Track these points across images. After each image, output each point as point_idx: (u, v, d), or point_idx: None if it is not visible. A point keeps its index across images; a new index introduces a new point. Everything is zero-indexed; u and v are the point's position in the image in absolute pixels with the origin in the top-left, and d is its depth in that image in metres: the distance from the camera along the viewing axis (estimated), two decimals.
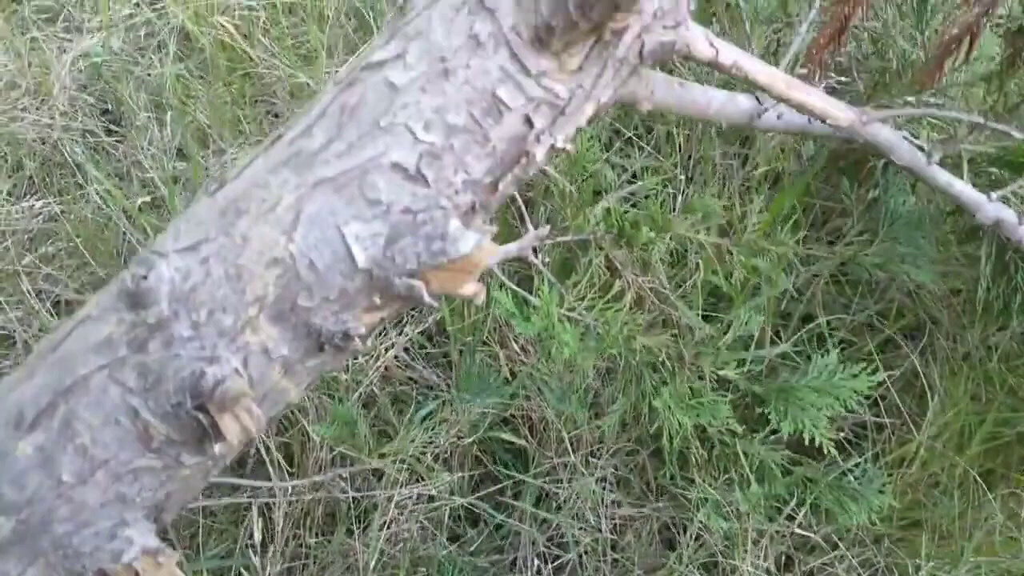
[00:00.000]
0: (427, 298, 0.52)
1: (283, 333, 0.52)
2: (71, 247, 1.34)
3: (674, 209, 1.12)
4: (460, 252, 0.50)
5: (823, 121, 0.62)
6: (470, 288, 0.52)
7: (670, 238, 0.89)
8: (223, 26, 1.50)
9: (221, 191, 0.52)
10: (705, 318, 1.09)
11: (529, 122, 0.52)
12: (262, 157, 0.52)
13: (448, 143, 0.51)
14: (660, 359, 0.87)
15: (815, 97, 0.61)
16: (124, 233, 1.32)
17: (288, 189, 0.50)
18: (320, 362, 0.55)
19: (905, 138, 0.67)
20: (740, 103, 0.72)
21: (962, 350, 1.13)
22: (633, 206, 1.02)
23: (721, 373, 0.86)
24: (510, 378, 1.14)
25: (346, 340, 0.54)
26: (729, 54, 0.57)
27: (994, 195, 0.72)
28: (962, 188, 0.71)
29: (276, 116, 1.49)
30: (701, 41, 0.57)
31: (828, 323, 1.12)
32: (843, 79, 0.82)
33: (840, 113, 0.62)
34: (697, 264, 1.04)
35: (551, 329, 0.84)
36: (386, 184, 0.50)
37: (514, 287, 0.92)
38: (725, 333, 1.01)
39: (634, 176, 1.19)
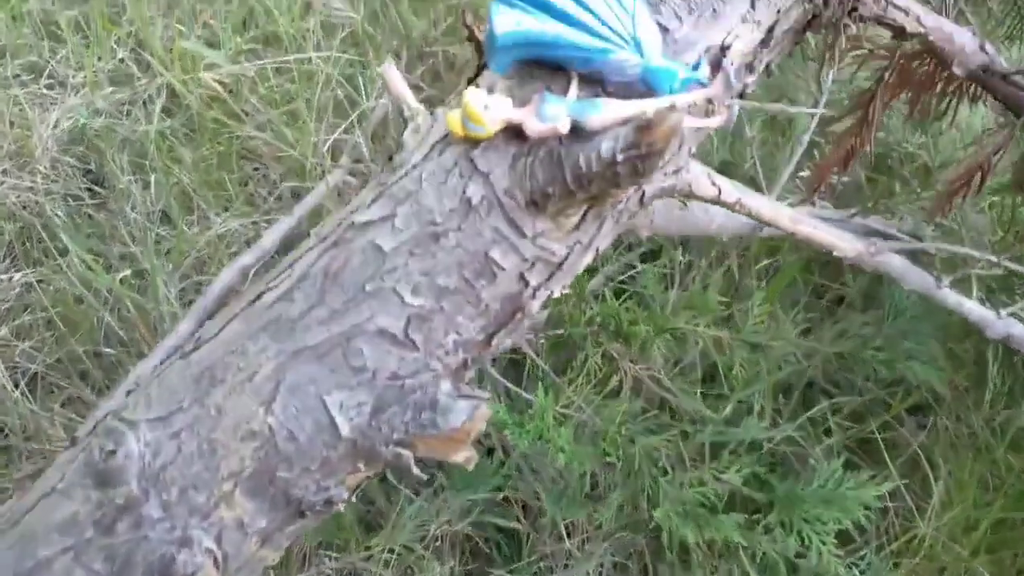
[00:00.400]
0: (415, 469, 0.48)
1: (260, 506, 0.48)
2: (48, 318, 1.29)
3: (672, 285, 1.09)
4: (450, 425, 0.47)
5: (830, 252, 0.59)
6: (462, 455, 0.49)
7: (668, 332, 0.86)
8: (210, 83, 1.47)
9: (196, 353, 0.49)
10: (703, 395, 1.06)
11: (524, 280, 0.49)
12: (240, 319, 0.49)
13: (438, 305, 0.48)
14: (659, 462, 0.84)
15: (821, 231, 0.58)
16: (105, 303, 1.28)
17: (267, 357, 0.47)
18: (300, 526, 0.52)
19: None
20: (741, 218, 0.69)
21: (967, 431, 1.10)
22: (629, 297, 0.99)
23: (723, 477, 0.83)
24: (504, 458, 1.11)
25: (328, 505, 0.50)
26: (732, 192, 0.55)
27: (1003, 312, 0.69)
28: (972, 308, 0.68)
29: (264, 177, 1.46)
30: (703, 180, 0.54)
31: (831, 405, 1.09)
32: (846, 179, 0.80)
33: (847, 245, 0.59)
34: (696, 342, 1.02)
35: (546, 434, 0.81)
36: (372, 350, 0.47)
37: (508, 384, 0.89)
38: (727, 422, 0.99)
39: (629, 247, 1.17)
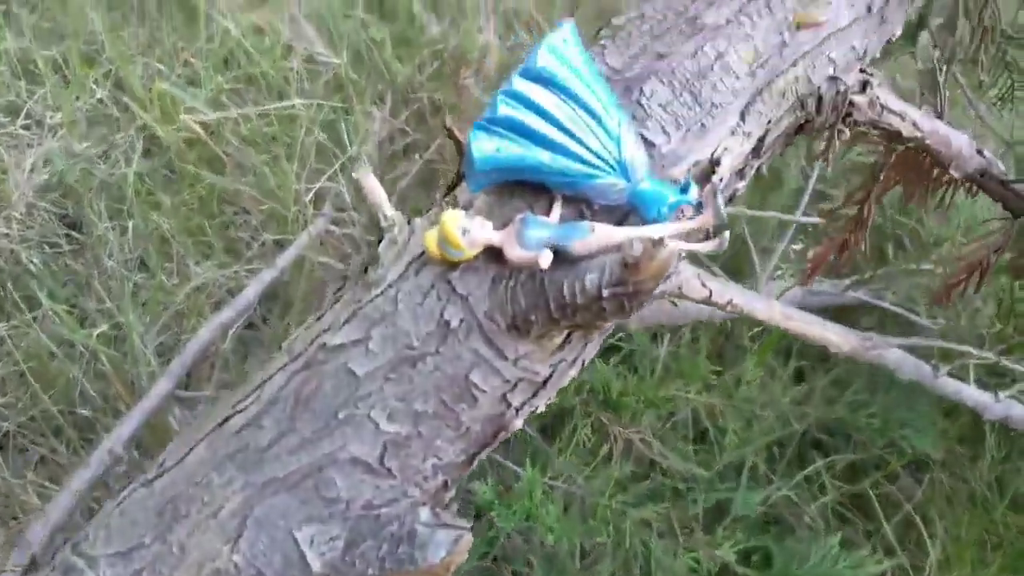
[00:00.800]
0: None
1: None
2: (20, 372, 1.26)
3: (662, 342, 1.07)
4: (429, 560, 0.44)
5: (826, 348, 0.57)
6: None
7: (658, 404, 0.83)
8: (190, 125, 1.44)
9: (160, 481, 0.46)
10: (696, 451, 1.04)
11: (507, 402, 0.46)
12: (206, 444, 0.46)
13: (416, 431, 0.45)
14: (650, 536, 0.81)
15: (815, 327, 0.56)
16: (80, 358, 1.24)
17: (234, 490, 0.44)
18: None
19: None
20: None
21: (965, 486, 1.08)
22: (617, 354, 0.97)
23: (718, 553, 0.80)
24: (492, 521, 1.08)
25: None
26: (723, 292, 0.52)
27: (1002, 395, 0.67)
28: (969, 394, 0.66)
29: (246, 222, 1.42)
30: (693, 283, 0.52)
31: (826, 463, 1.07)
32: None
33: (841, 340, 0.57)
34: (688, 405, 0.99)
35: (534, 512, 0.78)
36: (345, 480, 0.45)
37: (495, 455, 0.86)
38: (720, 478, 0.96)
39: None
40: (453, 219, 0.41)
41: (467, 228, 0.40)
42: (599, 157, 0.40)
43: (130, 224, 1.37)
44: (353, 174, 0.48)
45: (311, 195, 1.27)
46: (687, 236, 0.40)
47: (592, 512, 0.86)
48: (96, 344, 1.21)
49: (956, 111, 0.99)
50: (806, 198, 0.69)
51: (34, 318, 1.29)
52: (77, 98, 1.56)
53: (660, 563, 0.89)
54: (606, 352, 1.00)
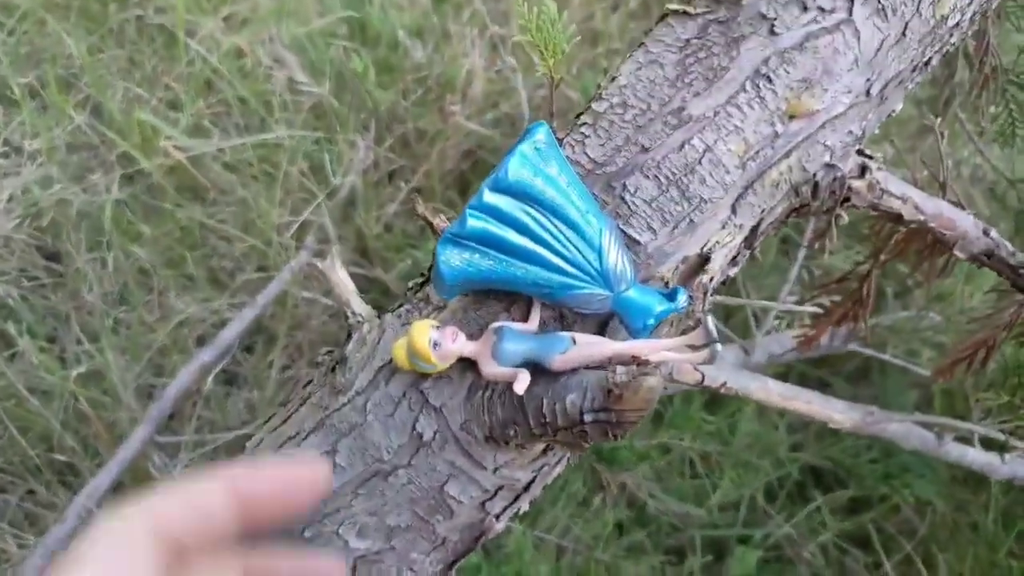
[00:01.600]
0: None
1: None
2: None
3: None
4: None
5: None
6: None
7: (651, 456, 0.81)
8: (171, 152, 1.40)
9: None
10: (692, 485, 1.01)
11: (486, 510, 0.43)
12: None
13: (388, 545, 0.42)
14: None
15: (816, 405, 0.53)
16: (60, 398, 1.21)
17: None
18: None
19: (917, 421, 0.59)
20: None
21: (969, 525, 1.06)
22: None
23: None
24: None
25: None
26: (716, 375, 0.50)
27: (1007, 457, 0.65)
28: (975, 457, 0.64)
29: (228, 253, 1.39)
30: (685, 367, 0.49)
31: (826, 499, 1.05)
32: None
33: (843, 417, 0.54)
34: (680, 446, 0.97)
35: (524, 573, 0.75)
36: None
37: None
38: (715, 523, 0.93)
39: None
40: (422, 331, 0.38)
41: (438, 341, 0.38)
42: (578, 267, 0.37)
43: (110, 256, 1.34)
44: (320, 264, 0.45)
45: (294, 228, 1.24)
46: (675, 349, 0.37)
47: (585, 567, 0.83)
48: (75, 387, 1.17)
49: (957, 145, 0.96)
50: (801, 254, 0.67)
51: (12, 355, 1.26)
52: (55, 125, 1.52)
53: None
54: None
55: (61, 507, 1.16)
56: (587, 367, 0.37)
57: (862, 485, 1.05)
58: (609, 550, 0.85)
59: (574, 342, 0.37)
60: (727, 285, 0.46)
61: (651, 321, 0.37)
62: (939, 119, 0.68)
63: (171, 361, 1.23)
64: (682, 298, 0.37)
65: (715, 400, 0.94)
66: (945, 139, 0.52)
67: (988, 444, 0.67)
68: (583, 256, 0.37)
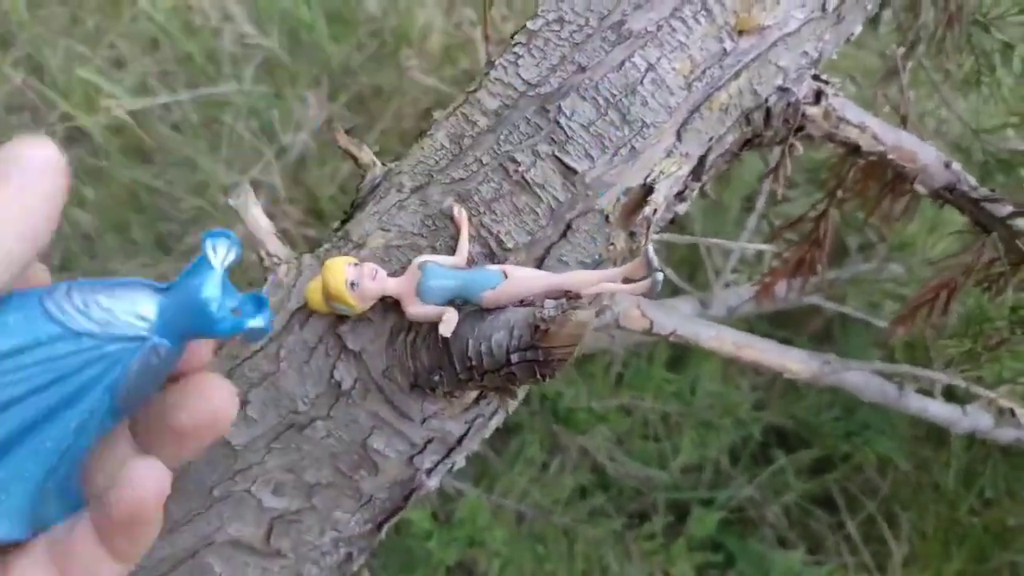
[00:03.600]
0: None
1: None
2: None
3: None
4: None
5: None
6: None
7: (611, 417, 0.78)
8: (115, 113, 1.34)
9: None
10: (656, 447, 0.99)
11: (415, 465, 0.40)
12: None
13: (308, 505, 0.39)
14: (604, 560, 0.77)
15: (771, 353, 0.51)
16: None
17: None
18: None
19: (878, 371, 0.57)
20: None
21: (931, 484, 1.05)
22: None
23: (673, 572, 0.76)
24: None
25: None
26: (665, 322, 0.47)
27: (968, 408, 0.63)
28: (937, 410, 0.62)
29: (175, 217, 1.33)
30: (633, 313, 0.46)
31: (789, 459, 1.03)
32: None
33: (800, 367, 0.52)
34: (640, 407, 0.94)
35: (478, 538, 0.73)
36: (225, 565, 0.38)
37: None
38: (680, 483, 0.92)
39: None
40: (338, 269, 0.34)
41: (355, 280, 0.34)
42: None
43: None
44: (230, 200, 0.41)
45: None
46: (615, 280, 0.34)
47: (543, 531, 0.81)
48: None
49: (921, 95, 0.94)
50: (760, 203, 0.64)
51: None
52: None
53: None
54: None
55: None
56: (520, 303, 0.34)
57: (825, 445, 1.04)
58: (569, 514, 0.83)
59: (505, 276, 0.34)
60: (676, 224, 0.43)
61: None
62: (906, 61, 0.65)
63: None
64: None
65: (679, 360, 0.92)
66: (906, 79, 0.49)
67: (950, 397, 0.66)
68: None
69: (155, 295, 0.29)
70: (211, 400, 0.29)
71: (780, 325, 1.09)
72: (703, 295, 0.64)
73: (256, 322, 0.30)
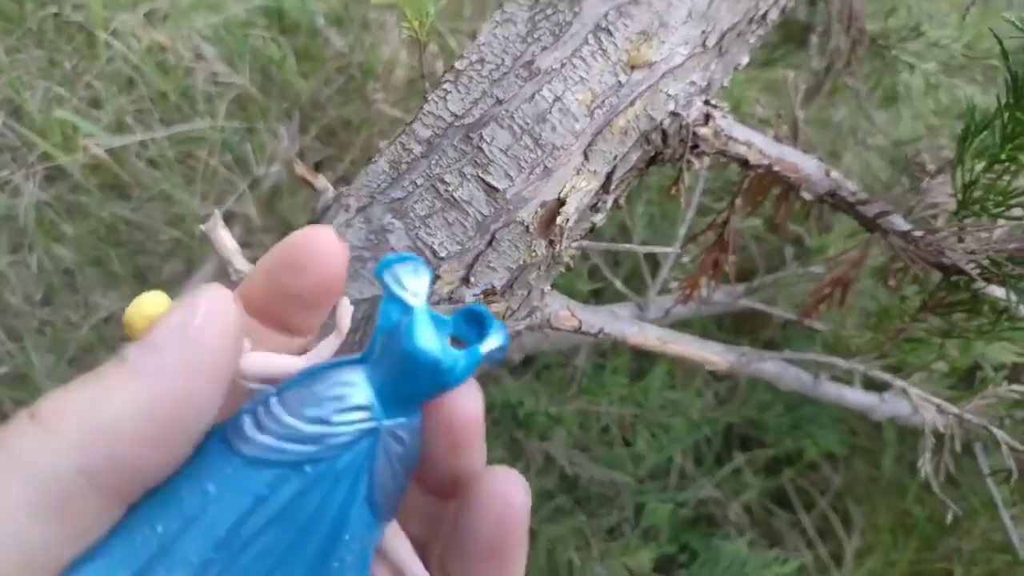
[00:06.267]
0: None
1: None
2: None
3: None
4: None
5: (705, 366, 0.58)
6: None
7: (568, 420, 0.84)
8: (93, 151, 1.39)
9: None
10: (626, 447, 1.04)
11: None
12: None
13: None
14: (567, 555, 0.81)
15: (692, 347, 0.56)
16: None
17: None
18: None
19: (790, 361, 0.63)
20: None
21: (879, 477, 1.11)
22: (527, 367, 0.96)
23: (631, 565, 0.81)
24: None
25: None
26: (593, 320, 0.52)
27: (886, 395, 0.69)
28: (853, 397, 0.68)
29: (153, 250, 1.38)
30: (562, 314, 0.52)
31: (746, 458, 1.09)
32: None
33: (719, 358, 0.58)
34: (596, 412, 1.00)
35: None
36: None
37: None
38: (640, 484, 0.97)
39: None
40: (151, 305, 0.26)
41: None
42: None
43: (32, 258, 1.32)
44: (201, 227, 0.47)
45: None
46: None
47: None
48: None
49: (847, 111, 1.01)
50: (689, 213, 0.70)
51: None
52: None
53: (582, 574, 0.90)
54: (516, 369, 1.00)
55: None
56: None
57: (779, 443, 1.10)
58: (533, 517, 0.87)
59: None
60: (594, 233, 0.49)
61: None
62: (824, 84, 0.72)
63: (96, 358, 1.23)
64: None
65: (640, 370, 0.98)
66: (798, 98, 0.56)
67: (871, 386, 0.72)
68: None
69: (357, 372, 0.23)
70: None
71: (734, 331, 1.16)
72: (639, 299, 0.70)
73: (492, 342, 0.24)
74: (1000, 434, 0.52)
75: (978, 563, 1.10)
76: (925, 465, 0.49)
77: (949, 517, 0.54)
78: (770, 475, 1.15)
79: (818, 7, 0.84)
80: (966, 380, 0.75)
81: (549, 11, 0.42)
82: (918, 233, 0.45)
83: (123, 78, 1.53)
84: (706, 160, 0.46)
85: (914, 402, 0.54)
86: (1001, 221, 0.44)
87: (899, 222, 0.48)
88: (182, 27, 1.45)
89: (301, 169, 0.47)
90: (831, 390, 0.66)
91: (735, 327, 1.09)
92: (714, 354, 0.57)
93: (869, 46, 0.73)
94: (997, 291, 0.49)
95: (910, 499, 1.06)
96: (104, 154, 1.38)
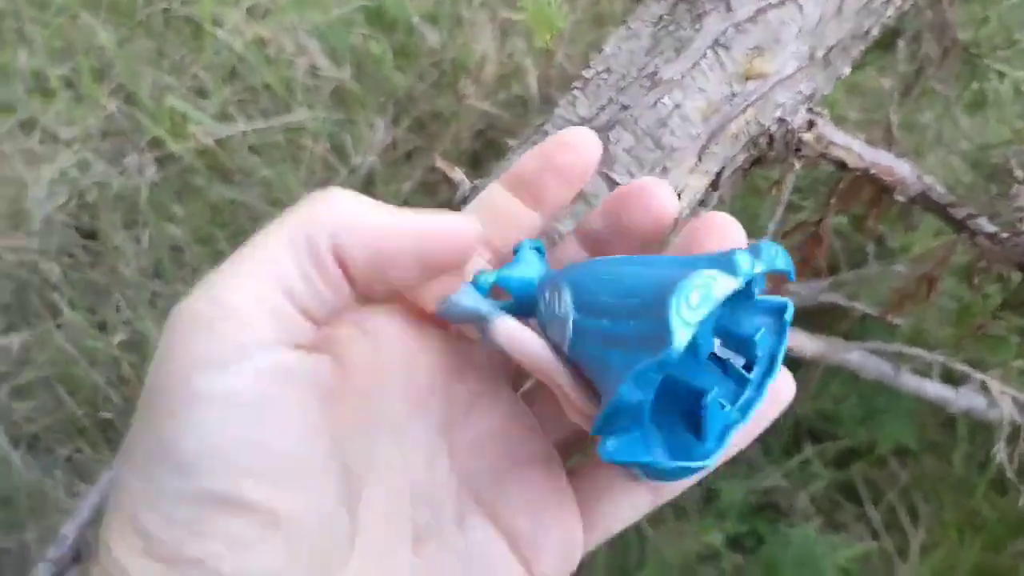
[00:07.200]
0: None
1: None
2: (46, 378, 1.32)
3: None
4: None
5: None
6: None
7: None
8: (200, 137, 1.50)
9: None
10: None
11: None
12: None
13: None
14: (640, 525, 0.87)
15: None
16: (102, 364, 1.31)
17: None
18: None
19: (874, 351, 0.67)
20: None
21: (949, 473, 1.13)
22: None
23: (706, 540, 0.86)
24: None
25: None
26: None
27: (963, 389, 0.72)
28: (932, 389, 0.71)
29: (254, 229, 1.48)
30: None
31: (817, 449, 1.13)
32: None
33: (807, 344, 0.62)
34: None
35: None
36: None
37: None
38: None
39: None
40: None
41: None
42: None
43: (145, 235, 1.44)
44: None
45: None
46: None
47: None
48: (117, 351, 1.27)
49: (932, 115, 1.04)
50: (780, 210, 0.74)
51: (58, 326, 1.35)
52: (90, 113, 1.62)
53: (655, 548, 0.95)
54: None
55: (107, 462, 1.26)
56: None
57: (852, 435, 1.13)
58: None
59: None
60: None
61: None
62: (913, 88, 0.76)
63: None
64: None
65: None
66: (895, 106, 0.60)
67: (949, 381, 0.75)
68: None
69: None
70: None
71: (810, 325, 1.19)
72: None
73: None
74: None
75: None
76: (1000, 453, 0.53)
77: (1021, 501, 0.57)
78: (839, 468, 1.18)
79: (908, 13, 0.87)
80: None
81: (672, 28, 0.48)
82: (1004, 235, 0.49)
83: (227, 69, 1.64)
84: (809, 161, 0.50)
85: (992, 393, 0.57)
86: None
87: (986, 224, 0.52)
88: (284, 22, 1.54)
89: (440, 162, 0.53)
90: (911, 381, 0.69)
91: (812, 321, 1.12)
92: (802, 341, 0.62)
93: (960, 54, 0.76)
94: None
95: (979, 497, 1.08)
96: (211, 142, 1.49)
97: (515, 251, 0.33)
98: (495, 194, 0.34)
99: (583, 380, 0.28)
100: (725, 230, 0.31)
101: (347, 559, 0.27)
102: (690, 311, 0.23)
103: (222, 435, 0.25)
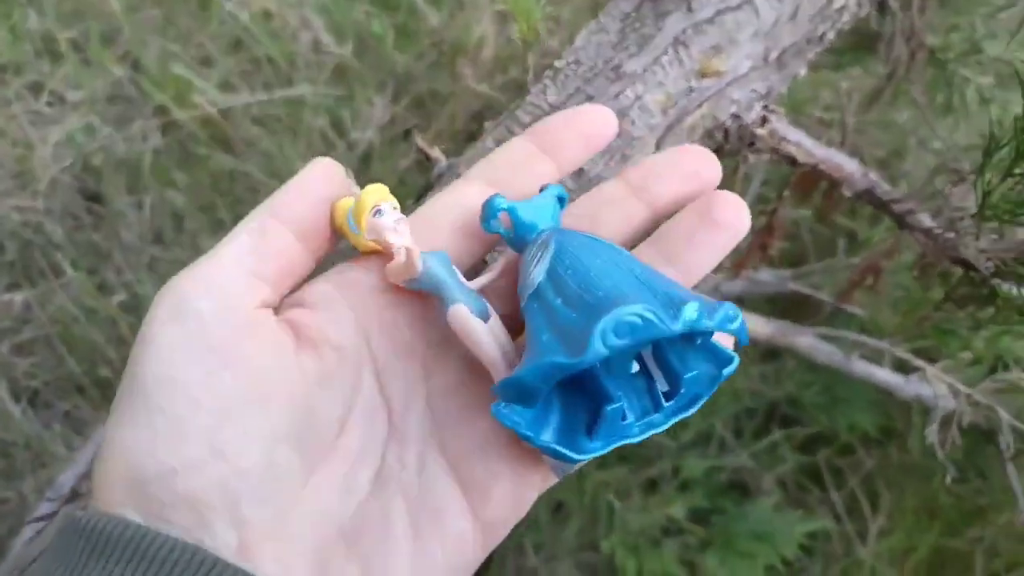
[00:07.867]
0: None
1: None
2: (47, 336, 1.37)
3: None
4: None
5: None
6: None
7: None
8: (204, 106, 1.53)
9: None
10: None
11: None
12: None
13: None
14: (610, 495, 0.91)
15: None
16: (101, 323, 1.35)
17: None
18: None
19: (825, 336, 0.71)
20: None
21: (910, 460, 1.17)
22: None
23: (669, 512, 0.91)
24: None
25: None
26: None
27: (912, 377, 0.77)
28: (881, 376, 0.76)
29: (257, 200, 1.52)
30: None
31: (784, 434, 1.17)
32: None
33: (760, 328, 0.66)
34: None
35: None
36: None
37: None
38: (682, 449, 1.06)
39: None
40: (378, 194, 0.34)
41: (383, 211, 0.33)
42: None
43: (147, 200, 1.48)
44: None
45: None
46: None
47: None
48: (116, 312, 1.32)
49: (909, 115, 1.07)
50: (748, 200, 0.78)
51: (60, 285, 1.40)
52: (97, 77, 1.65)
53: (621, 519, 1.00)
54: None
55: (104, 419, 1.31)
56: None
57: (816, 421, 1.17)
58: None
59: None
60: None
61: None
62: (884, 91, 0.79)
63: None
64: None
65: None
66: (851, 106, 0.63)
67: (901, 370, 0.79)
68: None
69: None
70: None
71: (782, 316, 1.23)
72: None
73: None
74: (1004, 415, 0.60)
75: (1001, 553, 1.16)
76: (932, 436, 0.57)
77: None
78: (806, 453, 1.23)
79: (887, 17, 0.90)
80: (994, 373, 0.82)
81: (637, 25, 0.51)
82: (938, 231, 0.53)
83: (232, 40, 1.67)
84: (763, 155, 0.54)
85: (928, 378, 0.61)
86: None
87: (926, 220, 0.56)
88: None
89: (420, 141, 0.57)
90: (861, 367, 0.74)
91: (784, 312, 1.17)
92: (756, 324, 0.66)
93: (928, 59, 0.80)
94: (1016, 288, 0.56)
95: (937, 484, 1.12)
96: (215, 111, 1.52)
97: (540, 190, 0.35)
98: (516, 144, 0.39)
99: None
100: (698, 161, 0.39)
101: (307, 482, 0.32)
102: (613, 339, 0.25)
103: (184, 369, 0.31)
